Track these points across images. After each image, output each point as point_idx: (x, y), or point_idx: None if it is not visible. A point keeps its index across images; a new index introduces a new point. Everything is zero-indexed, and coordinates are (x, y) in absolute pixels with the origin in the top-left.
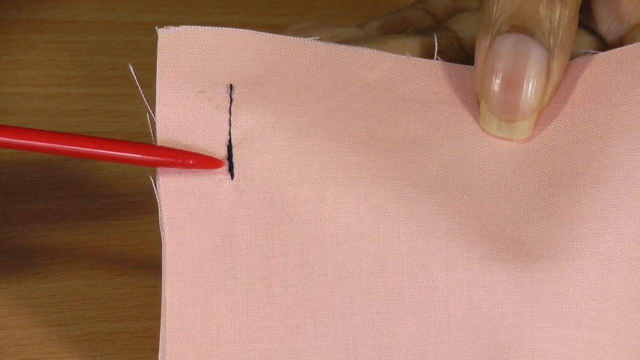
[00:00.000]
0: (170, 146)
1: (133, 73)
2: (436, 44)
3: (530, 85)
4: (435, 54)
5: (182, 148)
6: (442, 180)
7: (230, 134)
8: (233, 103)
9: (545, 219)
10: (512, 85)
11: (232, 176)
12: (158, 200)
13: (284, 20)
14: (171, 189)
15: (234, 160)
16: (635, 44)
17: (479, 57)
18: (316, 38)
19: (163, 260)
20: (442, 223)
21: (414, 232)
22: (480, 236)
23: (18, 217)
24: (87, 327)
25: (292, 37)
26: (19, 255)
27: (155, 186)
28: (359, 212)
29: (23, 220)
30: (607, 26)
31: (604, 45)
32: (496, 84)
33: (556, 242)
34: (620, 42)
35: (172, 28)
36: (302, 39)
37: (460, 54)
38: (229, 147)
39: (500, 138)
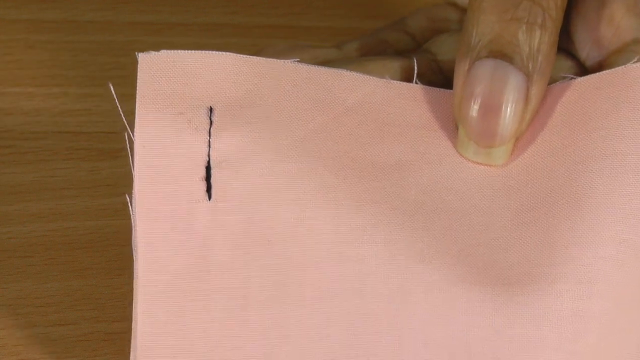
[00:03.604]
0: (148, 166)
1: (113, 91)
2: (415, 67)
3: (508, 110)
4: (415, 78)
5: (160, 168)
6: (421, 204)
7: (209, 155)
8: (213, 125)
9: (524, 245)
10: (490, 110)
11: (209, 197)
12: (133, 220)
13: (283, 20)
14: (147, 209)
15: (212, 181)
16: (613, 69)
17: (458, 82)
18: (296, 60)
19: (135, 278)
20: (421, 247)
21: (392, 255)
22: (458, 260)
23: (18, 217)
24: (87, 327)
25: (272, 60)
26: (19, 255)
27: (131, 205)
28: (337, 234)
29: (23, 220)
30: (587, 51)
31: (583, 70)
32: (474, 109)
33: (535, 267)
34: (599, 67)
35: (152, 53)
36: (282, 61)
37: (439, 76)
38: (207, 168)
39: (477, 163)
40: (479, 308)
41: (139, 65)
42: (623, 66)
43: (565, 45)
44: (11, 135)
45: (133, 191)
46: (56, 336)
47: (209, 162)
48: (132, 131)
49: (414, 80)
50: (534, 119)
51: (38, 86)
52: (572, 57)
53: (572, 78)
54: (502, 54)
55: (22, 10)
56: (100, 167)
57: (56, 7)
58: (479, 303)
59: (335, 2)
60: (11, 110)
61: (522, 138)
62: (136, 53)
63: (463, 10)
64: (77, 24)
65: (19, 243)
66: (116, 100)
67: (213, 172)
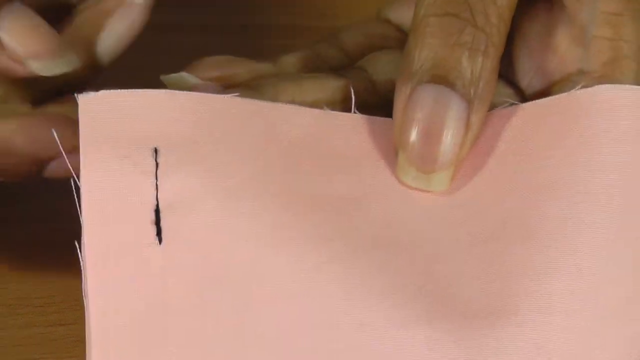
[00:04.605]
0: (95, 212)
1: (56, 137)
2: (353, 98)
3: (449, 136)
4: (353, 108)
5: (108, 213)
6: (372, 238)
7: (157, 198)
8: (159, 167)
9: (480, 277)
10: (431, 136)
11: (160, 240)
12: (82, 267)
13: (284, 20)
14: (97, 255)
15: (162, 224)
16: (558, 96)
17: (398, 106)
18: (236, 94)
19: (87, 326)
20: (377, 281)
21: (350, 291)
22: (415, 294)
23: (18, 217)
24: None
25: (212, 95)
26: (19, 255)
27: (80, 251)
28: (293, 273)
29: (23, 220)
30: (528, 80)
31: (523, 98)
32: (414, 134)
33: (493, 299)
34: (540, 96)
35: (92, 93)
36: (223, 96)
37: (374, 97)
38: (157, 211)
39: (417, 189)
40: (441, 342)
41: (79, 107)
42: (567, 93)
43: (505, 72)
44: None
45: (82, 238)
46: (56, 336)
47: (157, 205)
48: (78, 176)
49: (352, 106)
50: (477, 146)
51: None
52: (512, 84)
53: (512, 103)
54: (444, 80)
55: None
56: None
57: None
58: (440, 337)
59: (336, 2)
60: None
61: (467, 167)
62: (75, 95)
63: (397, 27)
64: None
65: (19, 243)
66: (60, 145)
67: (162, 214)
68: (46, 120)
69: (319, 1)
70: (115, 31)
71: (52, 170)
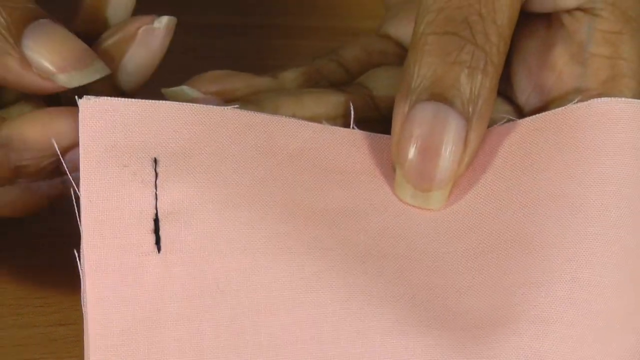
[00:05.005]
0: (95, 221)
1: (61, 158)
2: (352, 113)
3: (447, 154)
4: (352, 123)
5: (107, 222)
6: (370, 250)
7: (156, 207)
8: (158, 177)
9: (477, 290)
10: (429, 154)
11: (159, 249)
12: (82, 275)
13: (284, 20)
14: (96, 263)
15: (161, 233)
16: (554, 110)
17: (397, 123)
18: (236, 105)
19: (85, 333)
20: (375, 291)
21: (348, 300)
22: (413, 304)
23: (18, 217)
24: None
25: (213, 107)
26: (19, 255)
27: (79, 260)
28: (291, 281)
29: (23, 220)
30: (526, 97)
31: (521, 115)
32: (412, 152)
33: (491, 310)
34: (537, 113)
35: (93, 98)
36: (222, 107)
37: (375, 112)
38: (156, 221)
39: (414, 207)
40: (439, 351)
41: (80, 112)
42: (563, 107)
43: (503, 89)
44: None
45: (81, 246)
46: (56, 336)
47: (157, 214)
48: (77, 185)
49: (351, 121)
50: (475, 161)
51: None
52: (511, 101)
53: (509, 119)
54: (443, 98)
55: None
56: None
57: (56, 8)
58: (438, 346)
59: (335, 2)
60: None
61: (464, 181)
62: (76, 97)
63: (397, 43)
64: None
65: (19, 243)
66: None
67: (161, 224)
68: (56, 111)
69: (320, 1)
70: (136, 58)
71: (70, 161)
